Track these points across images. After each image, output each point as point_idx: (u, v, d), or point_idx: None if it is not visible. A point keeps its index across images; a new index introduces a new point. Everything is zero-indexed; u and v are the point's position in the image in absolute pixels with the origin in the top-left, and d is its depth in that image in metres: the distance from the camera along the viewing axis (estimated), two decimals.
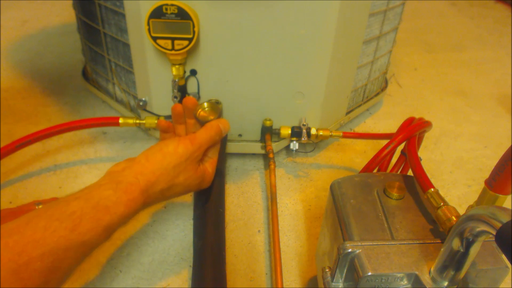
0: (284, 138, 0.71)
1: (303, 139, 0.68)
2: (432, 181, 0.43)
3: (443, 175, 0.75)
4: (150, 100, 0.69)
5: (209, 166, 0.53)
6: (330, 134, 0.70)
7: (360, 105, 0.83)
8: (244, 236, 0.60)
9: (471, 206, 0.41)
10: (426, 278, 0.35)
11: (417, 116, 0.59)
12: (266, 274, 0.56)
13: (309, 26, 0.60)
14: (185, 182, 0.48)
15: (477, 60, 1.18)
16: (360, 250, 0.36)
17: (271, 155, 0.66)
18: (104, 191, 0.40)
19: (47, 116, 0.84)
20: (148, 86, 0.67)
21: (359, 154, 0.78)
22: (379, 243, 0.37)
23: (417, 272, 0.35)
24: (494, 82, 1.07)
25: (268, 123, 0.68)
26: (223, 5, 0.58)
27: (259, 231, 0.61)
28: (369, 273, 0.34)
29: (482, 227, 0.29)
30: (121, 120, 0.69)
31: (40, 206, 0.56)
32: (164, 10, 0.56)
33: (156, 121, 0.68)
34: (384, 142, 0.56)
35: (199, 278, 0.48)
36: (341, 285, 0.38)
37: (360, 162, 0.76)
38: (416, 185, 0.45)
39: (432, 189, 0.41)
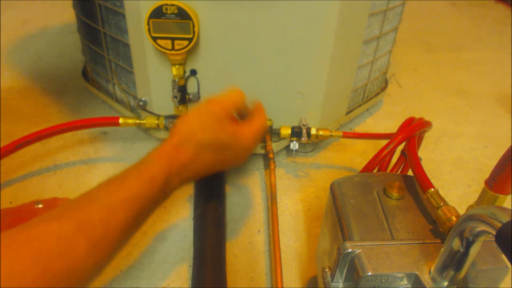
0: (284, 138, 0.71)
1: (303, 139, 0.68)
2: (432, 181, 0.43)
3: (443, 175, 0.75)
4: (150, 100, 0.69)
5: (246, 128, 0.52)
6: (330, 134, 0.70)
7: (360, 105, 0.83)
8: (244, 236, 0.60)
9: (471, 206, 0.41)
10: (426, 278, 0.35)
11: (417, 116, 0.59)
12: (266, 274, 0.56)
13: (309, 26, 0.60)
14: (214, 141, 0.48)
15: (477, 60, 1.18)
16: (360, 250, 0.36)
17: (271, 155, 0.66)
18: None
19: (47, 116, 0.84)
20: (148, 86, 0.67)
21: (359, 154, 0.78)
22: (379, 243, 0.37)
23: (417, 272, 0.35)
24: (494, 82, 1.07)
25: (268, 123, 0.68)
26: (223, 5, 0.58)
27: (259, 231, 0.61)
28: (369, 273, 0.34)
29: (482, 227, 0.29)
30: (121, 120, 0.69)
31: (40, 206, 0.56)
32: (164, 10, 0.56)
33: (156, 121, 0.68)
34: (384, 142, 0.56)
35: (199, 278, 0.48)
36: (341, 285, 0.38)
37: (360, 162, 0.76)
38: (416, 185, 0.45)
39: (432, 189, 0.41)
